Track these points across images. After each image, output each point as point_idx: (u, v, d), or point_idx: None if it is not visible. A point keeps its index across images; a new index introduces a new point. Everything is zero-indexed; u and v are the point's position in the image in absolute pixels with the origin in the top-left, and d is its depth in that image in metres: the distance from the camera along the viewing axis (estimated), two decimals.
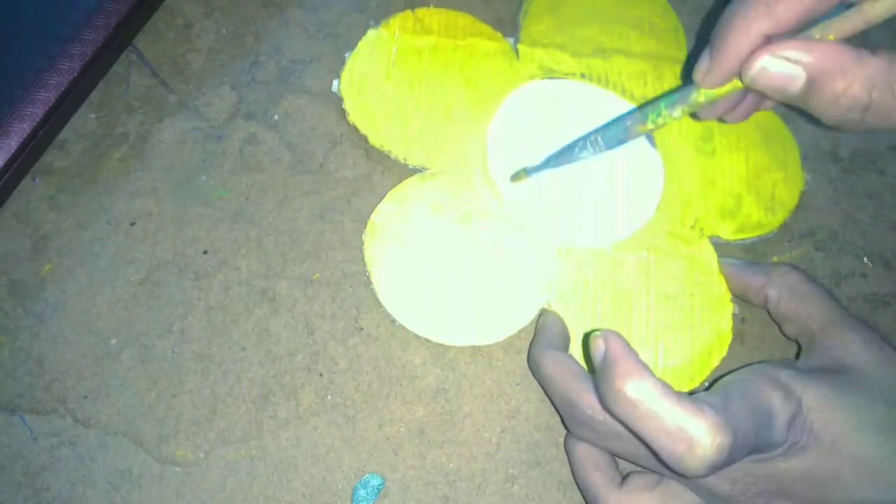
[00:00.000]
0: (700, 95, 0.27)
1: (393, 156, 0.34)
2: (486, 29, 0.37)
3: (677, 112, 0.28)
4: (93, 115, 0.35)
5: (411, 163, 0.34)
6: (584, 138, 0.31)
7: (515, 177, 0.34)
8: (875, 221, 0.37)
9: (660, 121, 0.28)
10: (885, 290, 0.36)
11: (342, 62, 0.36)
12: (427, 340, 0.32)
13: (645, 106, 0.29)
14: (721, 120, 0.30)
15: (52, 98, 0.33)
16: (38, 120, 0.32)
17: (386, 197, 0.34)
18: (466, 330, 0.32)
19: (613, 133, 0.30)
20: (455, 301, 0.32)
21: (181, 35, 0.37)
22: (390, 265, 0.33)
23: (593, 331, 0.26)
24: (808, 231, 0.36)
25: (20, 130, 0.32)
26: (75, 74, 0.33)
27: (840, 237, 0.37)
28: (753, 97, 0.29)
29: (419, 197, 0.34)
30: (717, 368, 0.33)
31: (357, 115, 0.35)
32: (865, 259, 0.36)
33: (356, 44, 0.36)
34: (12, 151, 0.32)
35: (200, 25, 0.37)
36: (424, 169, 0.35)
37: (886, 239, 0.37)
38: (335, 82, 0.36)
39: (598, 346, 0.25)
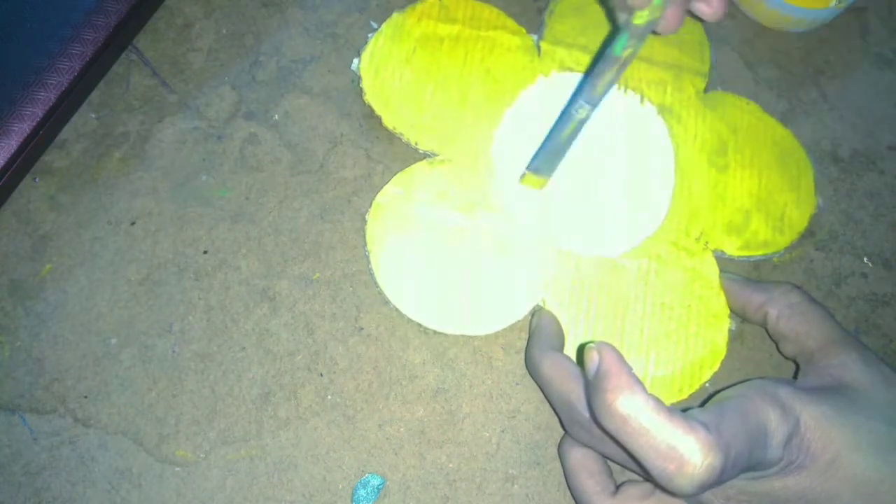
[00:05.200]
0: (638, 18, 0.28)
1: (405, 139, 0.34)
2: (511, 23, 0.37)
3: (630, 43, 0.28)
4: (93, 115, 0.35)
5: (422, 147, 0.34)
6: (564, 109, 0.32)
7: (525, 179, 0.34)
8: (875, 221, 0.37)
9: (624, 52, 0.29)
10: (885, 290, 0.36)
11: (343, 61, 0.36)
12: (427, 339, 0.32)
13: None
14: (654, 33, 0.30)
15: (53, 98, 0.33)
16: (38, 120, 0.32)
17: (393, 179, 0.34)
18: (459, 318, 0.32)
19: (584, 87, 0.30)
20: (450, 288, 0.32)
21: (181, 35, 0.37)
22: (390, 247, 0.33)
23: (588, 343, 0.26)
24: (808, 231, 0.36)
25: (20, 130, 0.32)
26: (75, 74, 0.33)
27: (840, 237, 0.37)
28: (678, 9, 0.29)
29: (426, 182, 0.34)
30: (714, 379, 0.32)
31: (373, 95, 0.35)
32: (865, 259, 0.36)
33: (356, 44, 0.36)
34: (12, 151, 0.32)
35: (200, 25, 0.37)
36: (434, 154, 0.35)
37: (886, 239, 0.37)
38: (355, 60, 0.36)
39: (591, 359, 0.25)
